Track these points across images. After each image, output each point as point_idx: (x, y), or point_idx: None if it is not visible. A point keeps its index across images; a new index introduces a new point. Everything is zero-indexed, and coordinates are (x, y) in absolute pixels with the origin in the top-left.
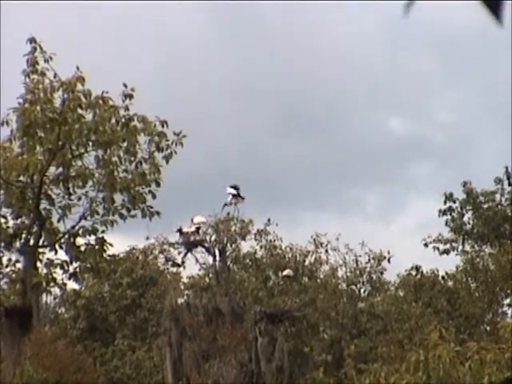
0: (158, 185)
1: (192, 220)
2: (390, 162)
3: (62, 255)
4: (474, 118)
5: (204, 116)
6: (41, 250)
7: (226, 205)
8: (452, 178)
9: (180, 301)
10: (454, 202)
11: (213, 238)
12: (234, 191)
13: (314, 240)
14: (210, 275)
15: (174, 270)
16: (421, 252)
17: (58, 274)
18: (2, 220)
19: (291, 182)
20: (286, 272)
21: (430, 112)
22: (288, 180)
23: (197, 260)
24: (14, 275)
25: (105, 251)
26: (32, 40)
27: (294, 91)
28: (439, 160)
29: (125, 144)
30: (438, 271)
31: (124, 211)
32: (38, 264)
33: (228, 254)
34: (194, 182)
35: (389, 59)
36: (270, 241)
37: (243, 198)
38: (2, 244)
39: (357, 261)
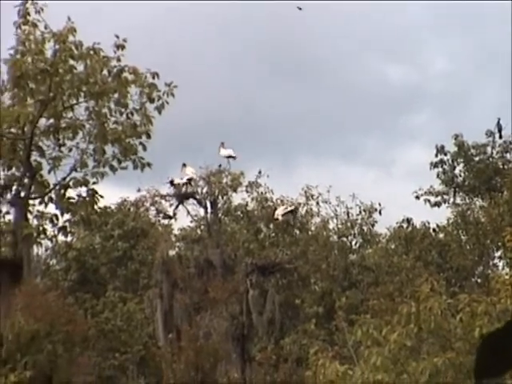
0: (149, 136)
1: (183, 168)
2: (385, 110)
3: (51, 208)
4: (470, 69)
5: (195, 67)
6: (31, 202)
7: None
8: (446, 129)
9: (171, 253)
10: (446, 155)
11: (204, 190)
12: (227, 153)
13: (305, 192)
14: (202, 227)
15: (166, 221)
16: (412, 204)
17: (48, 226)
18: None
19: (287, 131)
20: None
21: (427, 61)
22: (283, 129)
23: (188, 212)
24: (4, 226)
25: (96, 203)
26: None
27: (287, 39)
28: (434, 110)
29: (116, 95)
30: (429, 224)
31: (115, 163)
32: (29, 216)
33: (219, 206)
34: (185, 133)
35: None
36: (261, 193)
37: (235, 158)
38: None
39: (348, 213)
